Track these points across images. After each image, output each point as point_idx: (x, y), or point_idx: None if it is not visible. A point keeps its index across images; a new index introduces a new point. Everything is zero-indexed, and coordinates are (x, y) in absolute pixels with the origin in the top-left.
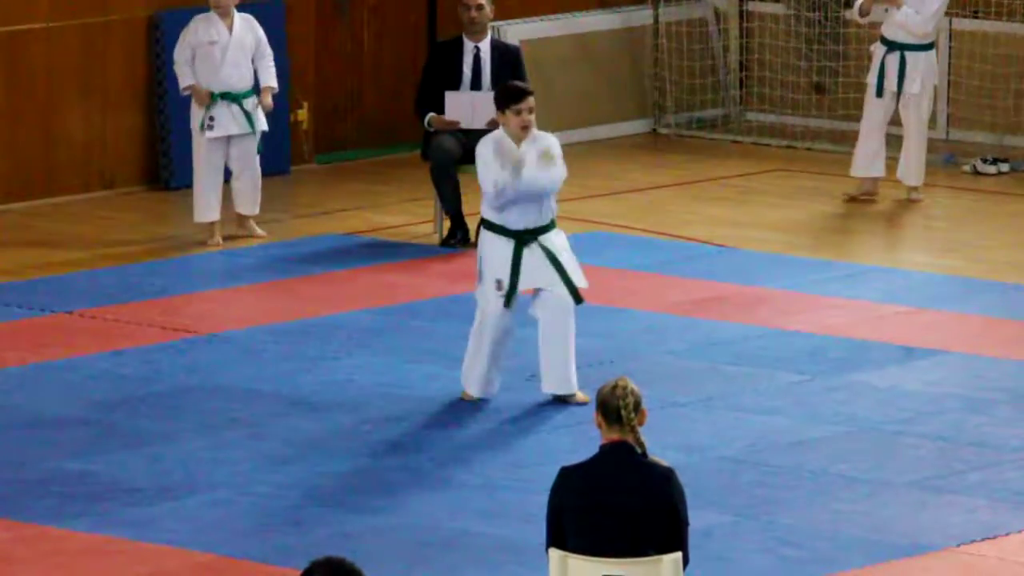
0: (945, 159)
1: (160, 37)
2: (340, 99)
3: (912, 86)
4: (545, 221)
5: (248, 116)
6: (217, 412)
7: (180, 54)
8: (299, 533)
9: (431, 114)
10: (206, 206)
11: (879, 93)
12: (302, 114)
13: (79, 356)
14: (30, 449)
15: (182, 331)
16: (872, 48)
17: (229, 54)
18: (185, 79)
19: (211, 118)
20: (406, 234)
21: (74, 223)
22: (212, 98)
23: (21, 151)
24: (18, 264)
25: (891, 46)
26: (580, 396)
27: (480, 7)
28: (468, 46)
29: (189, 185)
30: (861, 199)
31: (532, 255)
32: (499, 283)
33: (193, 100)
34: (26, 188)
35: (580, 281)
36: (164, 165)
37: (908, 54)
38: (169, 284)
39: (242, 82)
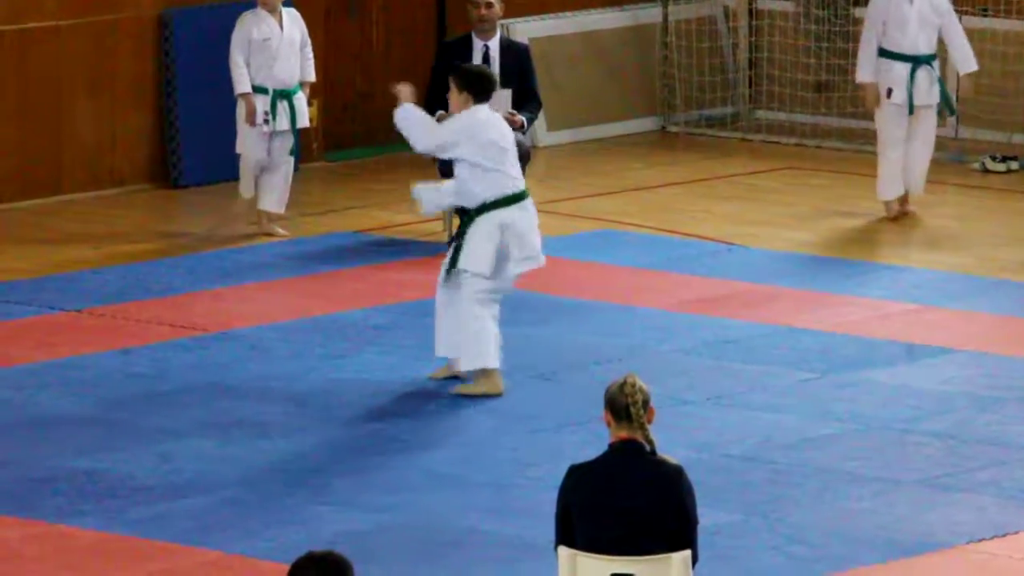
0: (954, 157)
1: (169, 35)
2: (349, 97)
3: (934, 96)
4: None
5: (295, 112)
6: (225, 410)
7: (238, 54)
8: (307, 531)
9: (440, 112)
10: (247, 184)
11: (911, 110)
12: (311, 112)
13: (87, 354)
14: (38, 447)
15: (190, 329)
16: (886, 70)
17: (282, 51)
18: (242, 85)
19: (266, 112)
20: (415, 232)
21: (83, 221)
22: (272, 94)
23: (30, 149)
24: (27, 262)
25: (916, 61)
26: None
27: (489, 5)
28: (477, 44)
29: (198, 183)
30: (900, 215)
31: None
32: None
33: (243, 103)
34: (35, 186)
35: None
36: (173, 163)
37: (934, 64)
38: (177, 282)
39: (293, 78)
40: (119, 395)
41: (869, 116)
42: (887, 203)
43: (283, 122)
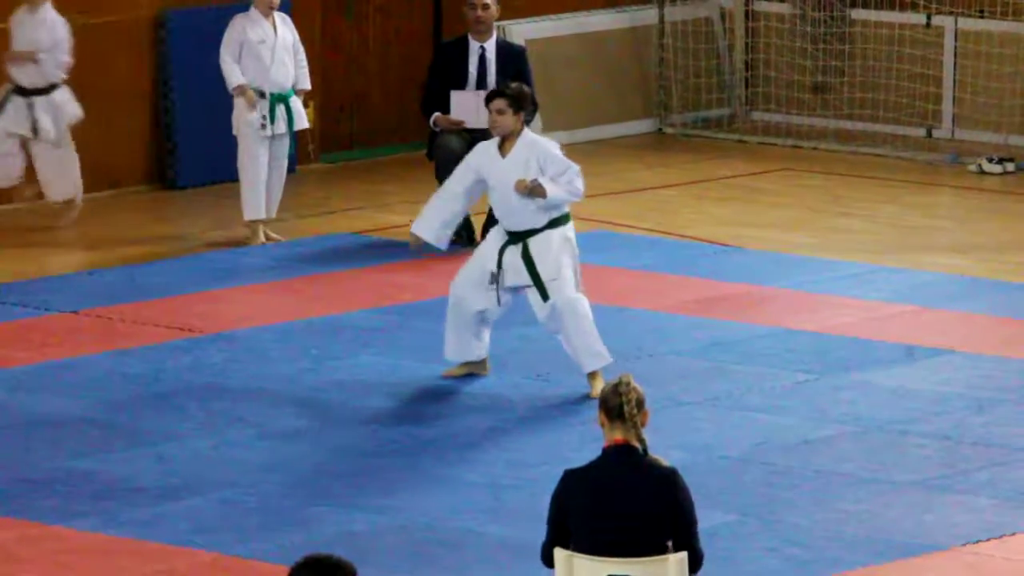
0: (950, 159)
1: (166, 36)
2: (346, 98)
3: None
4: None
5: (292, 114)
6: (222, 411)
7: (228, 52)
8: (304, 532)
9: (437, 113)
10: (257, 203)
11: None
12: (308, 113)
13: (84, 355)
14: (35, 448)
15: (187, 330)
16: None
17: (277, 53)
18: (235, 78)
19: (264, 116)
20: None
21: (79, 222)
22: (269, 98)
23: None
24: (23, 263)
25: None
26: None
27: (486, 6)
28: (474, 46)
29: (195, 184)
30: None
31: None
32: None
33: (239, 100)
34: (32, 186)
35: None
36: (170, 165)
37: None
38: (174, 283)
39: (288, 80)
40: (115, 396)
41: (866, 119)
42: None
43: (281, 126)
